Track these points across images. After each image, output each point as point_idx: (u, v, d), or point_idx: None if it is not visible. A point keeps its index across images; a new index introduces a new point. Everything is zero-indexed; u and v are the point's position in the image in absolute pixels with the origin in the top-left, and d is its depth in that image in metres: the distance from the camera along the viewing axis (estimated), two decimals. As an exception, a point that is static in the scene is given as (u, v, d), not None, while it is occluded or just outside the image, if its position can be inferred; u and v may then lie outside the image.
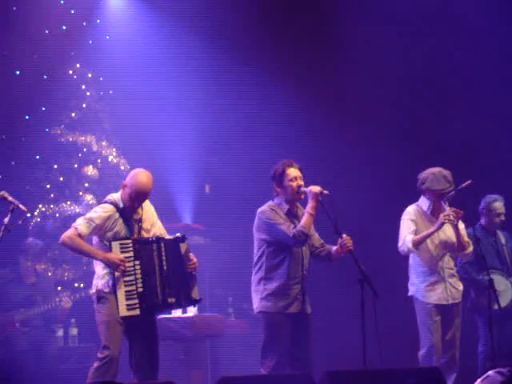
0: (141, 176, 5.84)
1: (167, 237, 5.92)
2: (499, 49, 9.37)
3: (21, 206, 5.78)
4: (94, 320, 5.88)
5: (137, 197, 5.81)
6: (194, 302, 6.02)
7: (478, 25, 9.23)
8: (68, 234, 5.76)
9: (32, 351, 7.74)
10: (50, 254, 8.42)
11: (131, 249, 5.75)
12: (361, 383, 4.81)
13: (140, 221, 5.89)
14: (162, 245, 5.80)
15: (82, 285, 8.36)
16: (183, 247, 5.85)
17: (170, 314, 7.59)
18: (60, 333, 8.04)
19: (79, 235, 5.72)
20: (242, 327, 8.50)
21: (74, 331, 8.07)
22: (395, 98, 9.41)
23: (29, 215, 8.24)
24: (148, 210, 5.98)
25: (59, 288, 8.28)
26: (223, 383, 4.59)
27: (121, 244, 5.74)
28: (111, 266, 5.71)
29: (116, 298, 5.69)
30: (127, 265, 5.71)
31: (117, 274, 5.70)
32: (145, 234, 5.89)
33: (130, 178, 5.85)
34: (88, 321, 7.31)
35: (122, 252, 5.72)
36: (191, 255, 5.89)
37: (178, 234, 5.92)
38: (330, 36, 9.49)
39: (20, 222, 5.83)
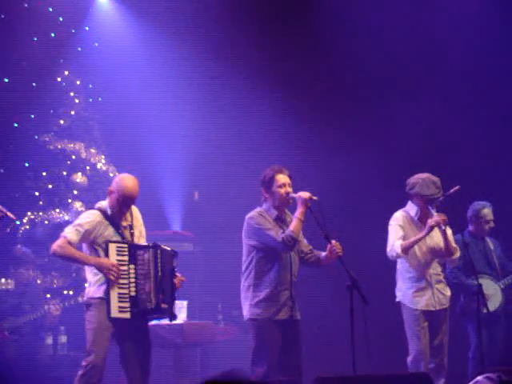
0: (127, 180, 5.83)
1: (164, 246, 5.92)
2: (496, 52, 9.37)
3: (9, 213, 5.75)
4: (83, 327, 5.86)
5: (124, 201, 5.80)
6: (173, 317, 5.99)
7: (473, 24, 9.21)
8: (58, 243, 5.73)
9: (21, 359, 7.70)
10: (39, 261, 8.39)
11: (126, 253, 5.74)
12: (350, 389, 4.80)
13: (131, 227, 5.88)
14: (159, 252, 5.80)
15: (71, 292, 8.33)
16: (174, 262, 5.88)
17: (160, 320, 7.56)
18: (49, 340, 8.00)
19: (69, 243, 5.69)
20: (232, 334, 8.48)
21: (63, 339, 8.03)
22: (385, 102, 9.41)
23: (18, 223, 8.21)
24: (138, 217, 5.98)
25: (48, 295, 8.25)
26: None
27: (117, 247, 5.73)
28: (103, 270, 5.69)
29: (108, 304, 5.66)
30: (121, 268, 5.69)
31: (111, 277, 5.67)
32: (136, 241, 5.88)
33: (116, 183, 5.84)
34: (77, 328, 7.27)
35: (117, 255, 5.71)
36: (177, 273, 5.91)
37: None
38: (324, 39, 9.47)
39: (8, 230, 5.81)
